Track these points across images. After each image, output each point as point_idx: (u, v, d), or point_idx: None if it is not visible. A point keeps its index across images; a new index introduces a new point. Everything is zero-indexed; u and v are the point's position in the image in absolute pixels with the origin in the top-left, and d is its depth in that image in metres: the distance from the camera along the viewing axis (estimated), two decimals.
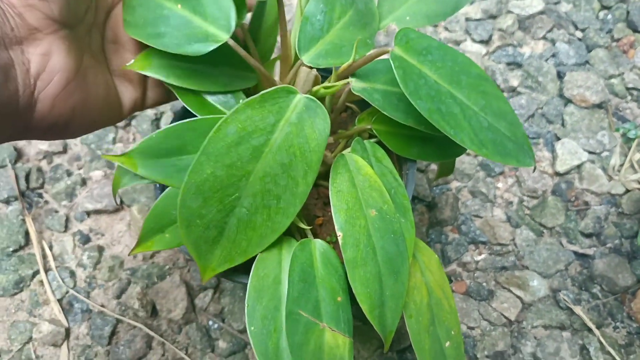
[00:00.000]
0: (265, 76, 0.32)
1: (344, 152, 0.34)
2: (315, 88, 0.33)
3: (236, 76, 0.35)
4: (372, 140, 0.37)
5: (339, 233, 0.29)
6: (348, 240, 0.30)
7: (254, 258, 0.31)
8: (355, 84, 0.33)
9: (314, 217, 0.41)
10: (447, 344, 0.33)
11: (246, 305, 0.30)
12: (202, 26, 0.31)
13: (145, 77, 0.37)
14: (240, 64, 0.36)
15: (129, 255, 0.39)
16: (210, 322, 0.48)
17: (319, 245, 0.32)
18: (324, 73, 0.40)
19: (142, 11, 0.33)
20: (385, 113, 0.32)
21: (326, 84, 0.33)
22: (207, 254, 0.31)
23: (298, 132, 0.29)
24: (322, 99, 0.33)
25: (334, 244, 0.38)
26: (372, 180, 0.32)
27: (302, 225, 0.33)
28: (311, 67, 0.32)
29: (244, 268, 0.33)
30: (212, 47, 0.31)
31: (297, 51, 0.32)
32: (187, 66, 0.34)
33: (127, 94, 0.36)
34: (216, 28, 0.31)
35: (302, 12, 0.33)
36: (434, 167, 0.56)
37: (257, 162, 0.29)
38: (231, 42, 0.32)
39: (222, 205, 0.29)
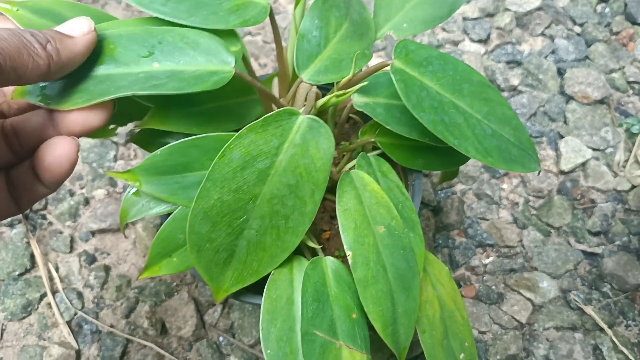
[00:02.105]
0: (270, 97, 0.32)
1: (349, 168, 0.33)
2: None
3: (246, 105, 0.34)
4: (376, 152, 0.37)
5: (348, 252, 0.29)
6: (358, 259, 0.29)
7: (264, 277, 0.31)
8: (357, 99, 0.33)
9: (321, 231, 0.40)
10: (462, 356, 0.33)
11: (261, 328, 0.30)
12: (200, 68, 0.28)
13: None
14: (247, 90, 0.35)
15: (136, 279, 0.39)
16: (221, 338, 0.48)
17: (330, 262, 0.32)
18: (324, 91, 0.39)
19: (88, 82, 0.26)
20: (388, 127, 0.32)
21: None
22: (219, 276, 0.30)
23: (303, 153, 0.28)
24: (324, 115, 0.33)
25: (343, 258, 0.38)
26: (378, 196, 0.31)
27: (312, 244, 0.33)
28: (311, 84, 0.32)
29: (254, 287, 0.33)
30: (228, 77, 0.28)
31: (296, 69, 0.31)
32: (203, 109, 0.32)
33: None
34: (218, 65, 0.28)
35: (297, 29, 0.32)
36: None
37: (263, 185, 0.28)
38: (238, 71, 0.29)
39: (231, 228, 0.29)
